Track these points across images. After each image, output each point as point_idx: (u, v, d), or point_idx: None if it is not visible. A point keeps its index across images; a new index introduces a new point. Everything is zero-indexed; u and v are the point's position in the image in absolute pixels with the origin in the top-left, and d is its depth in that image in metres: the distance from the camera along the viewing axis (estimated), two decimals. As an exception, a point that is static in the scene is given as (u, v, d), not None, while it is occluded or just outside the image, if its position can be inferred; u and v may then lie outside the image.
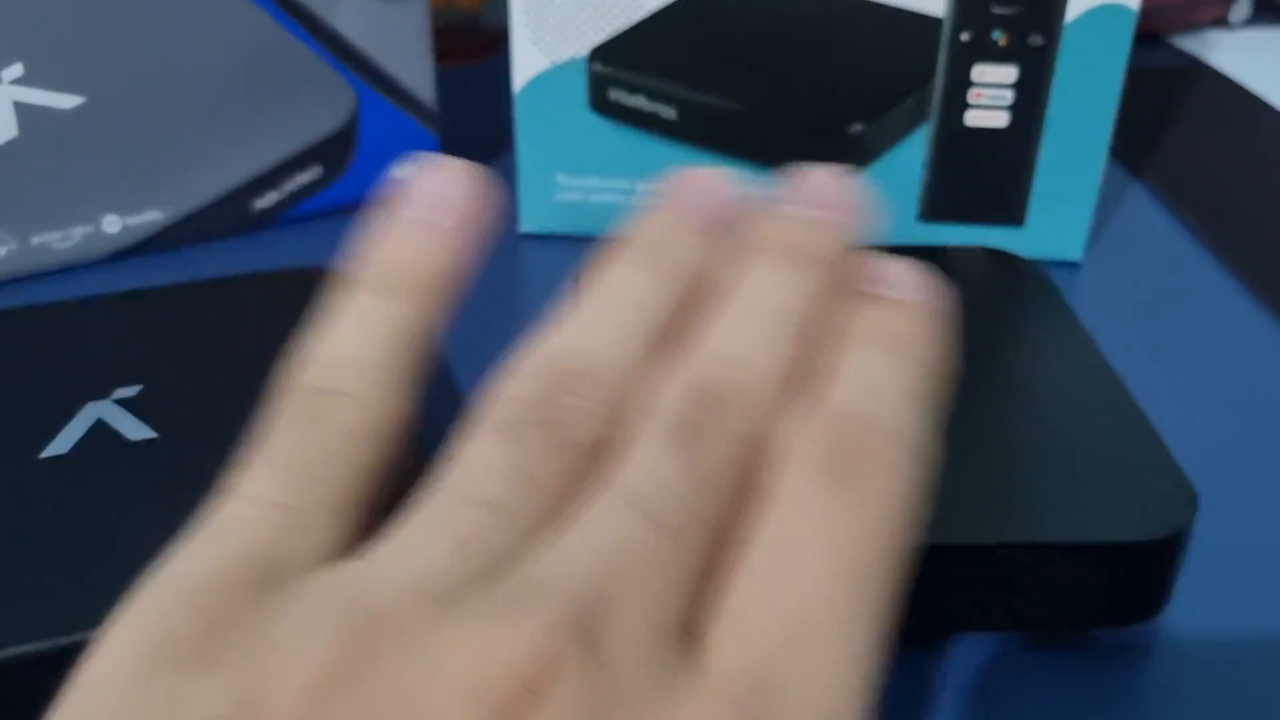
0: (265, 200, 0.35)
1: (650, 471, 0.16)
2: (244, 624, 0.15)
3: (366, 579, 0.15)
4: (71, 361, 0.26)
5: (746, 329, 0.18)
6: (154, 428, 0.24)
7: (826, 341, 0.19)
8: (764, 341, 0.18)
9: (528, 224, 0.35)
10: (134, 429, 0.23)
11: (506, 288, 0.33)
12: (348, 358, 0.18)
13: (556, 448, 0.17)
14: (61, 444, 0.23)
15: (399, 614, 0.14)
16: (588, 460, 0.17)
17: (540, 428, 0.17)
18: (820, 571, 0.16)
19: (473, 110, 0.44)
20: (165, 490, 0.22)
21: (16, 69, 0.31)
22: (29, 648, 0.19)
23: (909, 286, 0.20)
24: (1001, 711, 0.21)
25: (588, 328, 0.18)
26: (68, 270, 0.34)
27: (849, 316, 0.19)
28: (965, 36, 0.31)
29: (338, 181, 0.36)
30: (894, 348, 0.19)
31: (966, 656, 0.22)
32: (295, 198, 0.35)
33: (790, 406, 0.18)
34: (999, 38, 0.31)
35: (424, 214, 0.19)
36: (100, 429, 0.24)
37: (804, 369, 0.18)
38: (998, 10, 0.31)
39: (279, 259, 0.34)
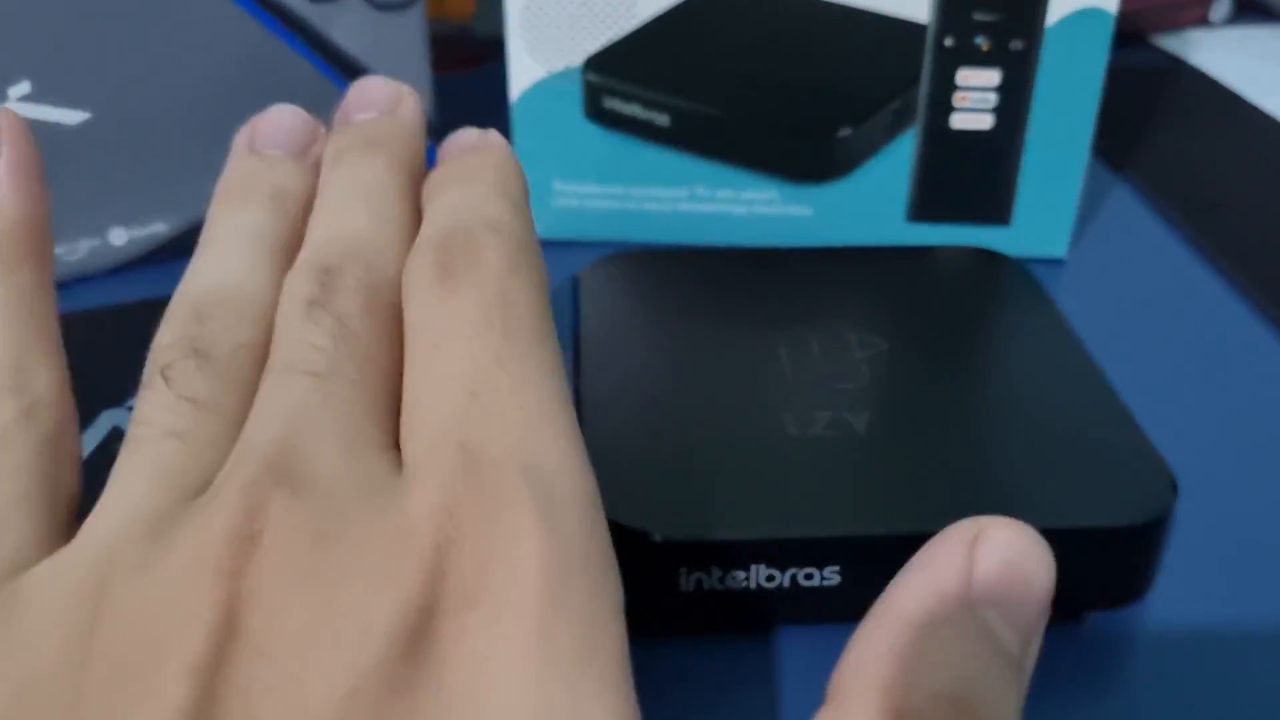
0: (268, 211, 0.36)
1: (295, 341, 0.17)
2: None
3: (82, 543, 0.15)
4: (85, 370, 0.26)
5: (342, 208, 0.20)
6: (169, 434, 0.24)
7: (415, 200, 0.21)
8: (360, 212, 0.20)
9: (525, 230, 0.36)
10: (149, 435, 0.24)
11: (505, 293, 0.34)
12: None
13: (214, 370, 0.17)
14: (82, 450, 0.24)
15: (117, 557, 0.15)
16: (255, 365, 0.18)
17: (193, 358, 0.17)
18: (458, 340, 0.17)
19: (467, 119, 0.44)
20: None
21: (24, 86, 0.31)
22: None
23: (463, 141, 0.22)
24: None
25: (213, 264, 0.19)
26: (76, 282, 0.34)
27: (426, 185, 0.21)
28: (949, 42, 0.32)
29: (338, 191, 0.36)
30: (462, 179, 0.21)
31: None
32: (297, 208, 0.36)
33: (409, 240, 0.20)
34: (981, 43, 0.32)
35: None
36: (117, 435, 0.24)
37: (413, 213, 0.20)
38: (979, 16, 0.32)
39: (282, 268, 0.35)
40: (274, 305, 0.19)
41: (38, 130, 0.32)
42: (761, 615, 0.22)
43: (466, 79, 0.48)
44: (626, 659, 0.14)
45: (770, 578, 0.22)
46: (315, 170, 0.22)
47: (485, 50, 0.50)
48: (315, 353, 0.17)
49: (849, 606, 0.22)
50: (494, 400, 0.16)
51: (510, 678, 0.13)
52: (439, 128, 0.38)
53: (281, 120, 0.22)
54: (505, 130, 0.43)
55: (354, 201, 0.20)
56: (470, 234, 0.19)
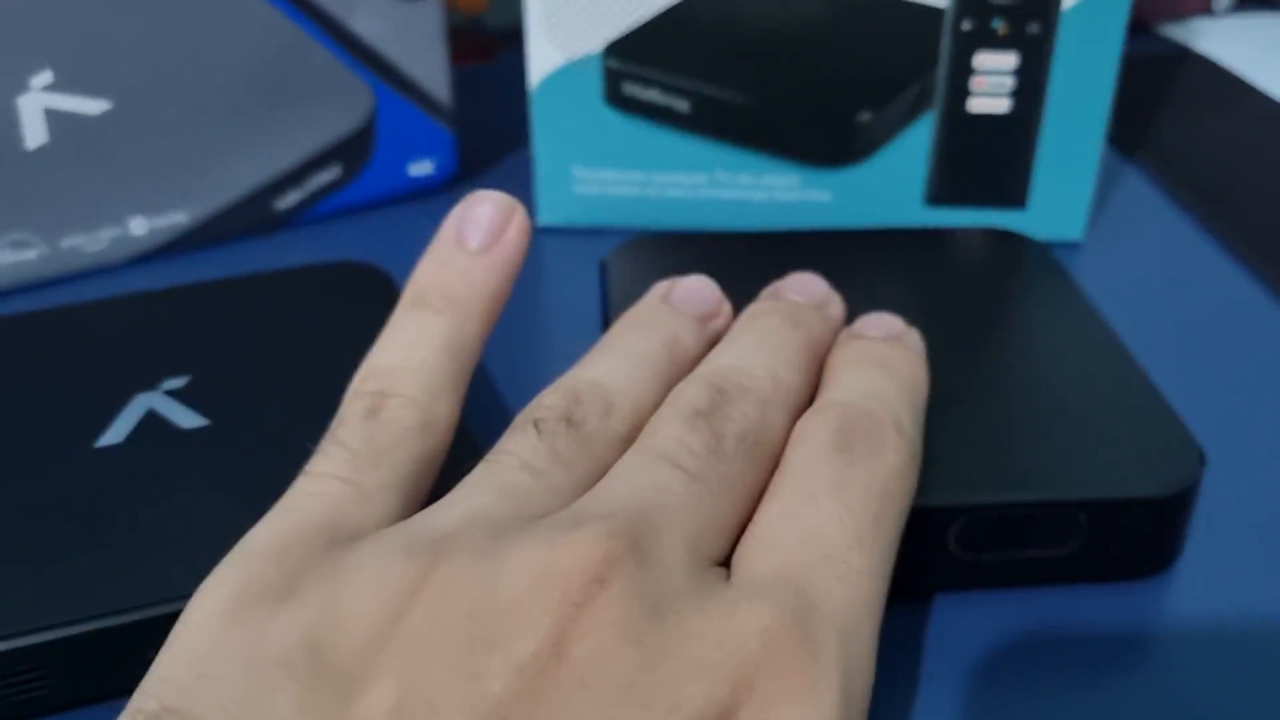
0: (287, 200, 0.36)
1: (674, 436, 0.19)
2: (318, 567, 0.17)
3: (425, 521, 0.18)
4: (116, 356, 0.26)
5: (749, 349, 0.22)
6: (206, 416, 0.24)
7: (821, 368, 0.23)
8: (764, 360, 0.21)
9: (545, 217, 0.36)
10: (186, 418, 0.24)
11: (527, 277, 0.34)
12: (404, 365, 0.21)
13: (578, 437, 0.19)
14: (115, 434, 0.24)
15: (458, 538, 0.17)
16: (613, 452, 0.20)
17: (564, 423, 0.19)
18: (834, 506, 0.18)
19: (481, 109, 0.44)
20: (223, 473, 0.23)
21: (46, 76, 0.31)
22: (98, 624, 0.20)
23: (888, 326, 0.24)
24: (1011, 666, 0.22)
25: (601, 365, 0.21)
26: (96, 272, 0.34)
27: (840, 352, 0.23)
28: (966, 26, 0.32)
29: (357, 180, 0.37)
30: (881, 365, 0.22)
31: (978, 612, 0.23)
32: (316, 197, 0.36)
33: (798, 411, 0.21)
34: (999, 26, 0.32)
35: (468, 240, 0.22)
36: (152, 419, 0.24)
37: (807, 391, 0.22)
38: (997, 1, 0.32)
39: (301, 257, 0.35)
40: (646, 413, 0.20)
41: (59, 120, 0.32)
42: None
43: (479, 70, 0.48)
44: None
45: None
46: (712, 340, 0.23)
47: (496, 43, 0.50)
48: (688, 453, 0.19)
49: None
50: (842, 571, 0.18)
51: None
52: (455, 116, 0.38)
53: (699, 287, 0.24)
54: (524, 117, 0.43)
55: (761, 350, 0.22)
56: (878, 424, 0.20)
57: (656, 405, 0.21)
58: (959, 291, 0.29)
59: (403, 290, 0.22)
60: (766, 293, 0.25)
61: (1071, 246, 0.35)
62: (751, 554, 0.18)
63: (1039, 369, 0.25)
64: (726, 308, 0.24)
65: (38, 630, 0.20)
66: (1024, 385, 0.25)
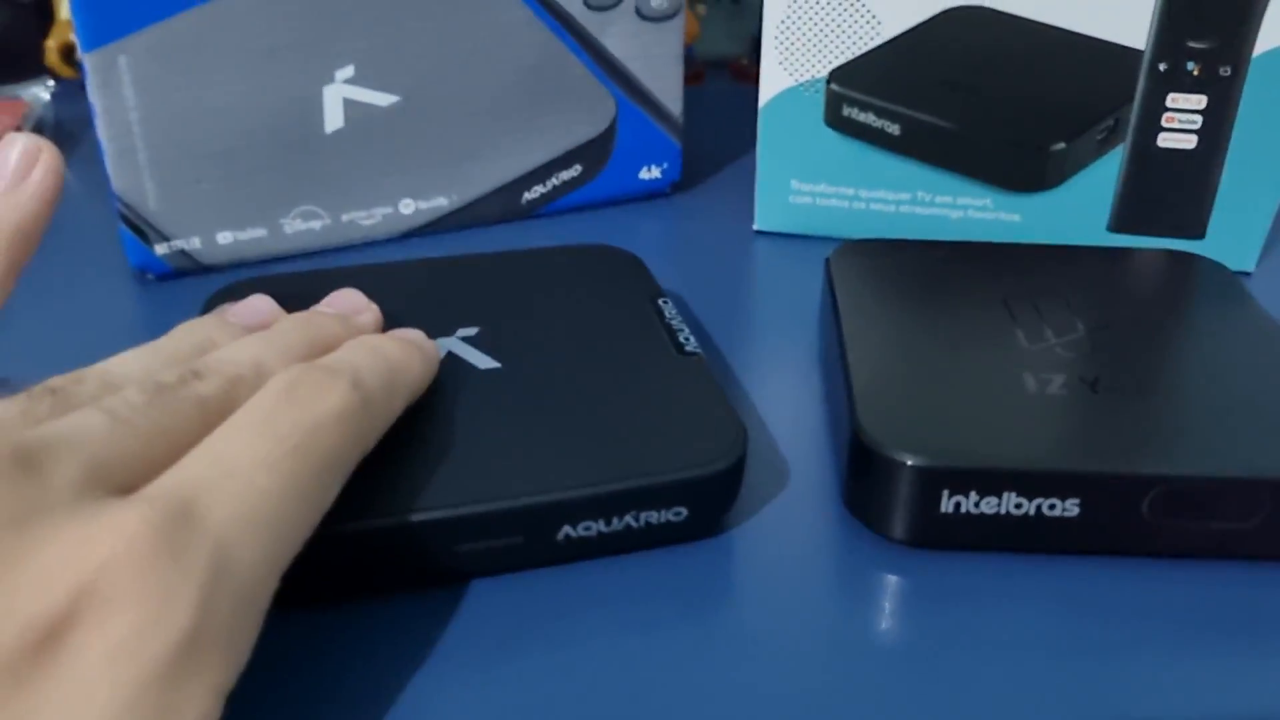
0: (533, 193, 0.41)
1: (123, 395, 0.20)
2: None
3: None
4: (420, 307, 0.31)
5: (252, 343, 0.24)
6: (496, 359, 0.29)
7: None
8: (259, 350, 0.24)
9: (762, 222, 0.40)
10: (481, 360, 0.29)
11: (743, 276, 0.38)
12: None
13: (57, 400, 0.20)
14: (424, 369, 0.29)
15: None
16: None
17: (49, 390, 0.21)
18: (253, 434, 0.20)
19: (699, 126, 0.49)
20: (517, 407, 0.27)
21: (349, 70, 0.37)
22: (417, 517, 0.24)
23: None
24: (1188, 631, 0.25)
25: (126, 358, 0.23)
26: (367, 245, 0.40)
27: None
28: (1162, 67, 0.36)
29: (594, 180, 0.41)
30: (370, 348, 0.25)
31: (1167, 576, 0.26)
32: (557, 192, 0.41)
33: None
34: (1192, 69, 0.36)
35: None
36: (452, 359, 0.29)
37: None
38: (1193, 44, 0.35)
39: (543, 244, 0.40)
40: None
41: (354, 109, 0.37)
42: (1006, 540, 0.26)
43: (690, 94, 0.53)
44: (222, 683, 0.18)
45: (1018, 505, 0.25)
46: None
47: (702, 71, 0.54)
48: (124, 404, 0.20)
49: (1082, 539, 0.26)
50: (241, 488, 0.19)
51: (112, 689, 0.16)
52: (682, 125, 0.42)
53: (255, 303, 0.27)
54: (733, 134, 0.47)
55: (262, 344, 0.24)
56: (333, 374, 0.23)
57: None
58: (1148, 299, 0.32)
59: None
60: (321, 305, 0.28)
61: (1242, 276, 0.38)
62: (160, 477, 0.19)
63: (1226, 366, 0.28)
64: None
65: (371, 517, 0.24)
66: (1205, 376, 0.28)
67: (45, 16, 0.55)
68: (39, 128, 0.48)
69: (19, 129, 0.46)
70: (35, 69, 0.53)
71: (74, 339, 0.35)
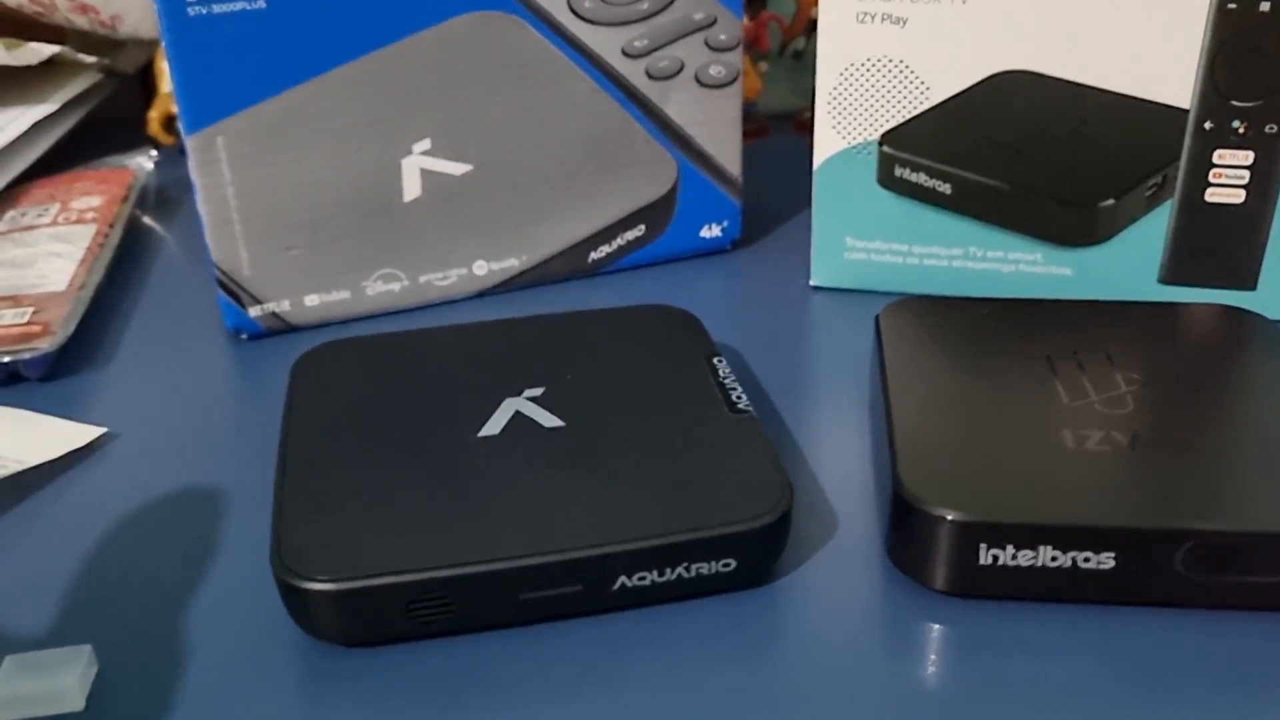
0: (599, 252, 0.43)
1: None
2: None
3: None
4: (489, 367, 0.33)
5: None
6: (561, 418, 0.31)
7: None
8: None
9: (819, 278, 0.42)
10: (547, 419, 0.31)
11: (800, 331, 0.39)
12: None
13: None
14: (492, 427, 0.31)
15: None
16: None
17: None
18: None
19: (757, 181, 0.51)
20: (579, 463, 0.29)
21: (425, 143, 0.39)
22: (484, 568, 0.26)
23: None
24: (1223, 681, 0.25)
25: None
26: (443, 304, 0.42)
27: None
28: (1208, 125, 0.37)
29: (658, 239, 0.43)
30: None
31: (1200, 629, 0.27)
32: (622, 251, 0.43)
33: None
34: (1238, 126, 0.37)
35: None
36: (519, 419, 0.31)
37: None
38: (1238, 104, 0.36)
39: (608, 301, 0.42)
40: None
41: (430, 179, 0.39)
42: (1046, 591, 0.27)
43: (753, 148, 0.54)
44: None
45: (1054, 558, 0.27)
46: None
47: (767, 124, 0.56)
48: None
49: (1117, 591, 0.27)
50: None
51: None
52: (741, 185, 0.44)
53: None
54: (794, 190, 0.49)
55: None
56: None
57: None
58: (1192, 354, 0.33)
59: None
60: None
61: (1298, 327, 0.39)
62: None
63: (1267, 422, 0.29)
64: None
65: (441, 566, 0.26)
66: (1252, 434, 0.29)
67: (148, 88, 0.59)
68: (143, 195, 0.52)
69: (125, 198, 0.49)
70: (139, 139, 0.57)
71: (175, 395, 0.37)
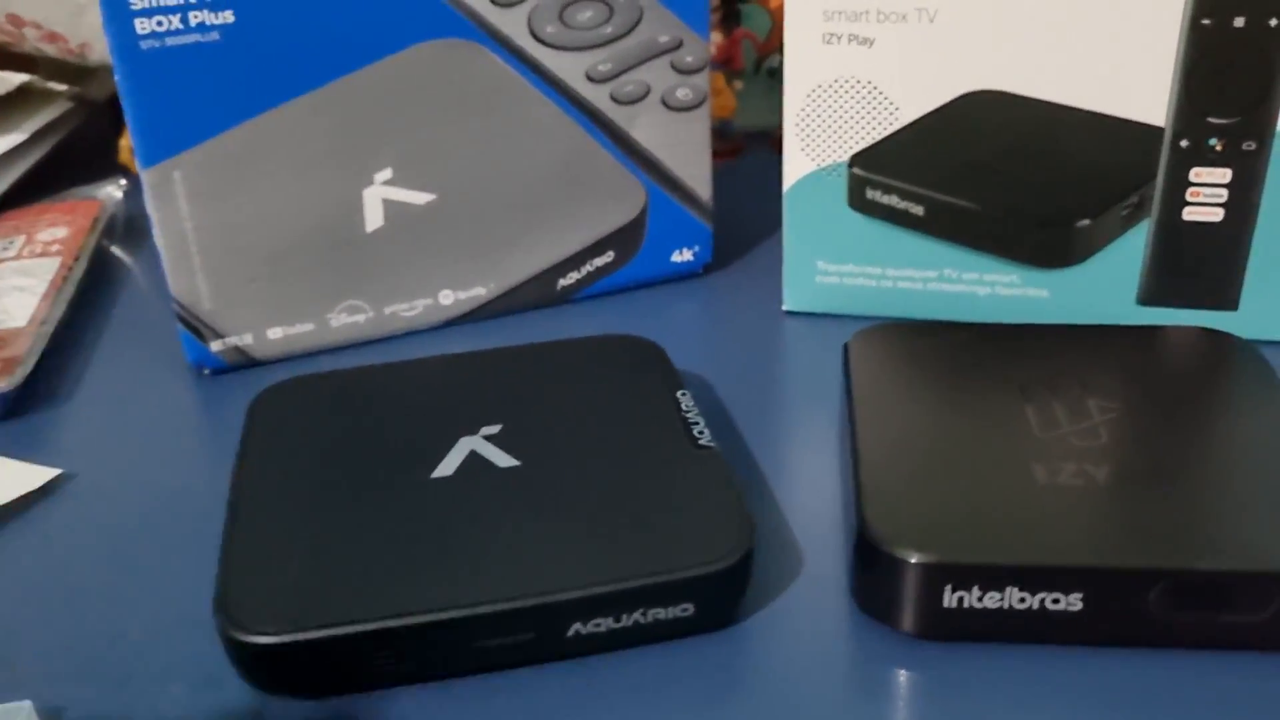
0: (567, 279, 0.42)
1: None
2: None
3: None
4: (443, 404, 0.32)
5: None
6: (517, 457, 0.30)
7: None
8: None
9: (791, 303, 0.41)
10: (501, 458, 0.30)
11: (771, 358, 0.39)
12: None
13: None
14: (446, 468, 0.30)
15: None
16: None
17: None
18: None
19: (730, 202, 0.50)
20: (532, 505, 0.28)
21: (387, 172, 0.38)
22: (431, 617, 0.25)
23: None
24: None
25: None
26: (408, 335, 0.41)
27: None
28: (1184, 144, 0.36)
29: (627, 265, 0.42)
30: None
31: (1176, 667, 0.26)
32: (591, 278, 0.42)
33: None
34: (1215, 144, 0.36)
35: None
36: (475, 458, 0.30)
37: None
38: (1215, 120, 0.35)
39: (577, 329, 0.41)
40: None
41: (393, 208, 0.39)
42: (1014, 632, 0.26)
43: (729, 167, 0.54)
44: None
45: (1021, 600, 0.26)
46: None
47: (742, 144, 0.55)
48: None
49: (1088, 631, 0.26)
50: None
51: None
52: (712, 209, 0.43)
53: None
54: (769, 212, 0.48)
55: None
56: None
57: None
58: (1167, 381, 0.32)
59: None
60: None
61: (1275, 345, 0.38)
62: None
63: (1245, 452, 0.28)
64: None
65: (389, 617, 0.25)
66: (1229, 466, 0.28)
67: (118, 116, 0.58)
68: (111, 226, 0.51)
69: (92, 229, 0.48)
70: (110, 167, 0.56)
71: (134, 433, 0.37)
